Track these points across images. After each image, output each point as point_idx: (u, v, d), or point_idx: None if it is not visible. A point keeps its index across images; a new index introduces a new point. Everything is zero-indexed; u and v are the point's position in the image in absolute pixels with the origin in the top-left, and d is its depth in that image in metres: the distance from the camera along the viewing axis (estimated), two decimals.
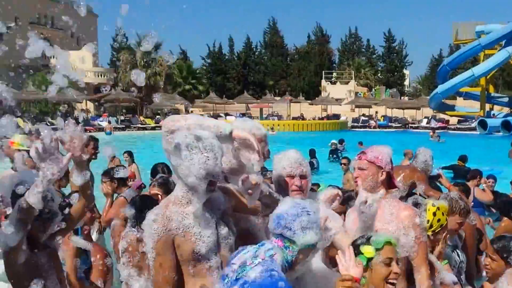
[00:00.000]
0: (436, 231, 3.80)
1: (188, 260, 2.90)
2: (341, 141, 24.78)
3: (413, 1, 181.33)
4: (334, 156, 21.46)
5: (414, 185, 6.45)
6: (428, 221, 3.75)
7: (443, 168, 11.64)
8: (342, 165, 12.46)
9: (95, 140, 7.10)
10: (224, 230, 2.97)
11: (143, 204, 3.97)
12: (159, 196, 4.60)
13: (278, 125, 42.19)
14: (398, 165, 7.15)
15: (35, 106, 42.50)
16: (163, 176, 5.12)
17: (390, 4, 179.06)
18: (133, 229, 3.95)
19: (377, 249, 2.91)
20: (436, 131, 36.01)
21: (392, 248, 2.94)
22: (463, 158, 13.45)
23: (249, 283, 2.54)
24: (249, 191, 2.97)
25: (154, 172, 6.43)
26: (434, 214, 3.79)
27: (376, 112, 53.81)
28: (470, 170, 10.21)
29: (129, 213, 4.01)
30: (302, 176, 3.47)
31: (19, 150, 5.57)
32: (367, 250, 2.92)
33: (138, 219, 3.78)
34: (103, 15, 69.28)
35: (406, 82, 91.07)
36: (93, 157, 6.73)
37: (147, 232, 2.99)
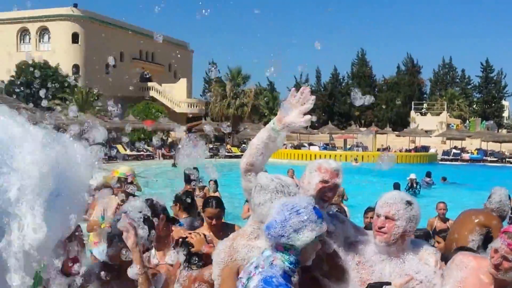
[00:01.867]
0: None
1: None
2: (428, 174, 24.18)
3: None
4: (411, 191, 20.02)
5: (489, 234, 5.78)
6: None
7: None
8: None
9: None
10: (295, 279, 2.85)
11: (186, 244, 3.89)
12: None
13: (363, 156, 42.11)
14: (473, 209, 6.52)
15: (133, 135, 45.58)
16: None
17: (488, 33, 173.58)
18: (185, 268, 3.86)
19: None
20: None
21: None
22: None
23: None
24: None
25: None
26: None
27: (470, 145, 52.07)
28: None
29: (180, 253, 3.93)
30: (388, 218, 3.15)
31: (119, 178, 6.42)
32: None
33: (189, 259, 3.84)
34: (198, 51, 72.69)
35: (505, 114, 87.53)
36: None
37: (214, 261, 3.21)
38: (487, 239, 5.53)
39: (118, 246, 3.23)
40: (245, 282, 2.68)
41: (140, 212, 3.29)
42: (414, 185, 20.47)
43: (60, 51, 52.40)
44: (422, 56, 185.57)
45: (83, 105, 42.97)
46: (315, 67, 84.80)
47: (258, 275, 2.62)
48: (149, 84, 60.82)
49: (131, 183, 6.18)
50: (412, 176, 21.19)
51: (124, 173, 6.45)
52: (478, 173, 30.99)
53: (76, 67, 55.93)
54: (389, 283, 2.80)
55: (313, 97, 3.30)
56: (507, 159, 45.69)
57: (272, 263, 2.64)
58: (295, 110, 3.27)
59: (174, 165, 30.51)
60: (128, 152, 38.63)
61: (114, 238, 3.30)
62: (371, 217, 5.13)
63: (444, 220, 9.18)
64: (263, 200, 3.03)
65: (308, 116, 3.25)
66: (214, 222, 4.75)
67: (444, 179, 25.32)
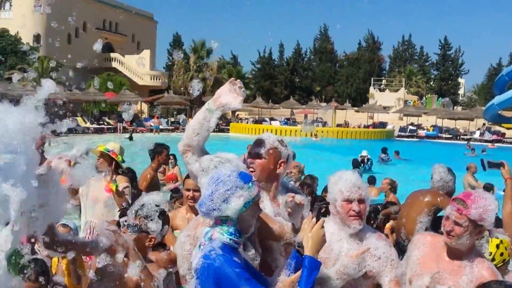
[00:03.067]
0: (498, 266, 3.41)
1: None
2: (384, 150, 24.32)
3: (472, 8, 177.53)
4: (362, 168, 19.44)
5: (438, 211, 5.76)
6: (491, 253, 3.46)
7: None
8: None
9: (167, 148, 7.56)
10: (251, 252, 2.92)
11: None
12: None
13: (322, 131, 42.37)
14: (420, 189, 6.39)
15: (95, 107, 44.89)
16: None
17: (447, 11, 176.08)
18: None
19: None
20: (471, 142, 34.84)
21: None
22: None
23: (197, 273, 2.58)
24: (290, 210, 2.96)
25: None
26: (497, 246, 3.48)
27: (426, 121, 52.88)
28: None
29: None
30: (360, 201, 3.22)
31: (102, 153, 6.08)
32: None
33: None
34: (162, 22, 71.53)
35: (461, 92, 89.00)
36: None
37: (180, 255, 3.13)
38: (436, 220, 5.53)
39: (132, 237, 3.25)
40: (193, 266, 2.64)
41: (158, 206, 3.33)
42: (365, 161, 20.52)
43: (21, 20, 50.84)
44: (383, 33, 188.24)
45: (42, 76, 42.00)
46: (278, 41, 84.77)
47: (200, 253, 2.58)
48: (112, 55, 59.74)
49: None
50: (364, 153, 21.20)
51: (108, 148, 6.13)
52: (432, 150, 31.68)
53: (37, 36, 54.47)
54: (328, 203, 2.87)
55: (244, 90, 3.39)
56: (461, 136, 45.94)
57: (211, 238, 2.59)
58: (231, 93, 3.34)
59: (130, 138, 30.37)
60: (88, 125, 38.09)
61: (129, 229, 3.33)
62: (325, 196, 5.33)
63: (389, 194, 9.35)
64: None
65: (241, 98, 3.32)
66: (192, 194, 4.58)
67: (397, 153, 25.72)
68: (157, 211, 3.28)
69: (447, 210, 3.22)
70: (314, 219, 2.71)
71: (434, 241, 3.39)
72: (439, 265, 3.22)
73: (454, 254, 3.23)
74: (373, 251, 3.24)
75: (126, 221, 3.39)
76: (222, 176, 2.61)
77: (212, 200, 2.56)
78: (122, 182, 5.93)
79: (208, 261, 2.51)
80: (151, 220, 3.25)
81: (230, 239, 2.58)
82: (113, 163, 6.07)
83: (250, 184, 2.61)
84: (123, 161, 6.35)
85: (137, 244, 3.20)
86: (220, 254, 2.51)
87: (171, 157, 12.31)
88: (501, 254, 3.46)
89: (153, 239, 3.32)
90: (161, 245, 3.63)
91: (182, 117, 43.16)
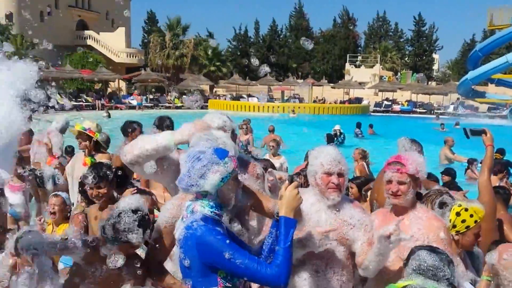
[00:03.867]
0: (461, 232, 3.56)
1: None
2: (358, 125, 24.61)
3: None
4: (336, 141, 19.87)
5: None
6: (450, 220, 3.57)
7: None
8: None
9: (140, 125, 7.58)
10: (237, 228, 2.89)
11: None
12: None
13: (299, 107, 42.42)
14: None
15: (72, 84, 44.30)
16: None
17: None
18: None
19: None
20: (441, 116, 35.17)
21: None
22: (501, 151, 11.66)
23: (180, 243, 2.69)
24: (270, 184, 3.06)
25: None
26: (458, 214, 3.57)
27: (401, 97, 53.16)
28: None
29: None
30: (340, 174, 3.37)
31: (79, 132, 6.25)
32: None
33: None
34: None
35: (435, 67, 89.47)
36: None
37: (160, 216, 3.24)
38: None
39: (113, 249, 3.18)
40: (177, 237, 2.72)
41: (135, 213, 3.15)
42: (338, 134, 20.84)
43: None
44: (358, 9, 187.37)
45: (17, 54, 41.16)
46: (254, 19, 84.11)
47: (182, 224, 2.68)
48: (86, 32, 58.80)
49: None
50: (337, 127, 21.53)
51: (84, 127, 6.24)
52: (407, 124, 31.99)
53: (9, 15, 53.29)
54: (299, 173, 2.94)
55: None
56: (435, 111, 46.16)
57: (192, 211, 2.68)
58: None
59: (108, 116, 30.21)
60: (66, 102, 37.61)
61: (109, 242, 3.20)
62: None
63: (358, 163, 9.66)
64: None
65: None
66: None
67: (371, 126, 26.06)
68: (135, 220, 3.11)
69: (388, 175, 3.50)
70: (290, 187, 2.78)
71: (380, 212, 3.75)
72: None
73: (401, 213, 3.53)
74: (349, 220, 3.41)
75: (104, 233, 3.19)
76: (198, 153, 2.67)
77: (189, 176, 2.63)
78: (103, 159, 6.00)
79: (191, 231, 2.61)
80: (131, 232, 3.10)
81: (211, 212, 2.67)
82: (91, 140, 6.21)
83: (226, 159, 2.67)
84: (108, 138, 6.49)
85: (121, 251, 3.16)
86: (202, 224, 2.61)
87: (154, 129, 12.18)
88: (463, 221, 3.55)
89: (135, 247, 3.25)
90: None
91: (186, 98, 42.90)
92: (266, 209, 3.23)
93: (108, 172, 4.18)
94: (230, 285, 2.69)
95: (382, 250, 3.14)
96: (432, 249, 2.93)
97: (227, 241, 2.58)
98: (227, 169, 2.64)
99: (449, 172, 8.89)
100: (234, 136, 3.76)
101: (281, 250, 2.61)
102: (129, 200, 3.23)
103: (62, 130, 8.79)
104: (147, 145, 3.35)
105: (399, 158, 3.50)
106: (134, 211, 3.14)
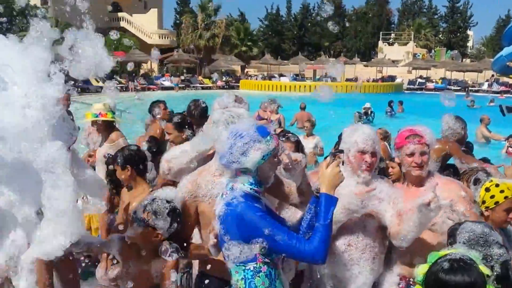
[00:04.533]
0: (491, 207, 3.45)
1: (208, 226, 3.06)
2: (390, 103, 24.42)
3: None
4: (365, 120, 20.12)
5: (448, 157, 5.87)
6: (480, 196, 3.51)
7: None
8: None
9: (164, 103, 7.58)
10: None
11: None
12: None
13: (331, 86, 42.04)
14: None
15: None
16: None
17: None
18: None
19: None
20: (471, 94, 34.40)
21: None
22: None
23: (220, 219, 2.72)
24: (288, 165, 3.00)
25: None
26: (487, 189, 3.49)
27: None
28: None
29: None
30: (373, 154, 3.42)
31: (93, 121, 6.27)
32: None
33: None
34: None
35: (469, 44, 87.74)
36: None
37: (179, 192, 3.29)
38: (445, 167, 5.49)
39: (138, 231, 3.22)
40: (217, 213, 2.75)
41: (169, 202, 3.20)
42: (369, 113, 20.77)
43: None
44: None
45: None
46: None
47: (222, 201, 2.71)
48: (119, 14, 59.05)
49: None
50: (367, 105, 21.45)
51: (95, 113, 6.22)
52: (441, 102, 31.54)
53: None
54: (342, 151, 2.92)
55: None
56: (470, 88, 45.30)
57: (232, 188, 2.71)
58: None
59: (138, 98, 30.35)
60: (100, 84, 37.91)
61: (136, 222, 3.25)
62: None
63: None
64: (217, 135, 3.02)
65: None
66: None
67: (401, 103, 25.83)
68: (166, 208, 3.16)
69: (409, 148, 3.48)
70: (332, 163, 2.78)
71: (398, 186, 3.71)
72: (416, 197, 3.36)
73: (419, 183, 3.58)
74: (378, 194, 3.45)
75: (135, 214, 3.28)
76: (241, 130, 2.69)
77: (231, 153, 2.66)
78: (118, 137, 6.18)
79: (231, 208, 2.64)
80: (159, 216, 3.15)
81: (251, 189, 2.70)
82: (106, 124, 6.25)
83: (268, 137, 2.69)
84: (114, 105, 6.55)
85: (143, 238, 3.20)
86: (242, 201, 2.64)
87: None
88: (492, 197, 3.44)
89: (159, 235, 3.21)
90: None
91: (215, 75, 42.96)
92: (283, 192, 3.26)
93: (134, 154, 4.18)
94: (269, 261, 2.71)
95: (423, 220, 3.12)
96: (471, 221, 2.94)
97: (267, 218, 2.61)
98: (268, 147, 2.67)
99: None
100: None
101: (321, 227, 2.61)
102: (166, 190, 3.29)
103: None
104: (185, 159, 3.59)
105: (413, 130, 3.52)
106: (168, 201, 3.19)
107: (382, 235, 3.53)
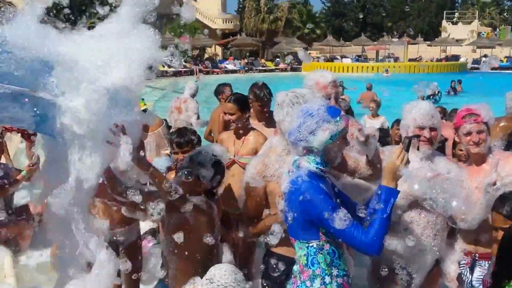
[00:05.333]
0: None
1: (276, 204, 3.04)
2: (452, 83, 24.24)
3: None
4: (432, 99, 19.65)
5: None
6: None
7: None
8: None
9: (229, 85, 7.62)
10: None
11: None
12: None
13: (394, 67, 41.27)
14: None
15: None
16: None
17: None
18: None
19: None
20: None
21: None
22: None
23: (285, 196, 2.73)
24: (363, 141, 2.94)
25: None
26: None
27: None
28: None
29: None
30: (432, 129, 3.41)
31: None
32: None
33: None
34: None
35: None
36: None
37: (246, 173, 3.32)
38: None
39: (180, 180, 3.19)
40: (282, 190, 2.76)
41: (215, 156, 3.24)
42: (436, 93, 20.37)
43: None
44: None
45: None
46: None
47: (288, 178, 2.71)
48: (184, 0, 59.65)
49: None
50: (434, 84, 20.94)
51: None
52: (506, 81, 30.26)
53: None
54: (418, 136, 2.93)
55: None
56: None
57: (298, 166, 2.68)
58: None
59: (197, 80, 30.70)
60: (166, 68, 38.65)
61: (181, 170, 3.24)
62: (398, 129, 5.55)
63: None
64: (282, 116, 3.05)
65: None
66: (228, 118, 4.55)
67: (460, 82, 25.36)
68: (211, 160, 3.20)
69: (466, 128, 3.47)
70: (404, 152, 2.71)
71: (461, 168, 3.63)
72: (480, 175, 3.45)
73: (481, 161, 3.54)
74: (446, 174, 3.41)
75: (181, 163, 3.31)
76: (311, 109, 2.66)
77: (299, 131, 2.63)
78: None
79: (295, 186, 2.61)
80: (204, 167, 3.16)
81: (317, 168, 2.65)
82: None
83: (337, 118, 2.64)
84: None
85: (186, 188, 3.13)
86: (307, 180, 2.59)
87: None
88: None
89: (202, 185, 3.24)
90: (211, 194, 3.42)
91: (289, 57, 42.97)
92: (349, 167, 3.22)
93: (192, 137, 4.12)
94: (332, 239, 2.67)
95: (491, 200, 3.06)
96: None
97: (329, 201, 2.56)
98: (337, 127, 2.62)
99: None
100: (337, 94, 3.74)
101: (378, 220, 2.56)
102: (215, 146, 3.39)
103: (193, 96, 9.11)
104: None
105: (470, 110, 3.51)
106: (214, 155, 3.24)
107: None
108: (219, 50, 53.81)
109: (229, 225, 3.77)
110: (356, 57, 50.57)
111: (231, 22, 59.36)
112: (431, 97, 18.72)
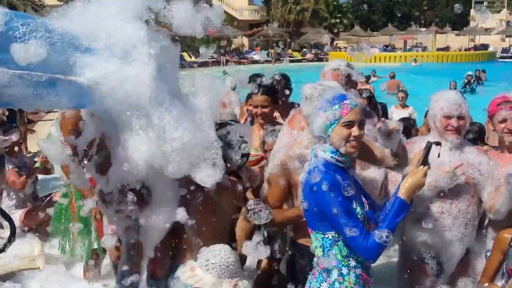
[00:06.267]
0: None
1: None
2: (477, 72, 23.82)
3: None
4: (468, 88, 20.07)
5: None
6: None
7: None
8: None
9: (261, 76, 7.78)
10: None
11: None
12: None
13: (422, 56, 40.77)
14: None
15: (198, 41, 45.65)
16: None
17: None
18: None
19: None
20: None
21: None
22: None
23: (302, 187, 2.67)
24: (385, 133, 2.88)
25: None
26: None
27: None
28: None
29: None
30: (460, 118, 3.34)
31: None
32: None
33: None
34: None
35: None
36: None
37: (269, 164, 3.32)
38: None
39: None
40: (300, 180, 2.70)
41: (242, 137, 3.14)
42: (472, 81, 20.16)
43: None
44: None
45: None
46: None
47: (307, 167, 2.64)
48: None
49: None
50: (469, 73, 20.98)
51: None
52: None
53: None
54: (439, 143, 2.74)
55: None
56: None
57: (316, 155, 2.63)
58: None
59: (224, 72, 30.74)
60: (193, 59, 38.77)
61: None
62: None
63: None
64: (311, 110, 2.95)
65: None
66: (260, 111, 4.28)
67: (484, 71, 24.87)
68: (239, 142, 3.11)
69: (501, 115, 3.42)
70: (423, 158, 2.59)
71: (493, 154, 3.60)
72: None
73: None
74: (476, 165, 3.37)
75: None
76: (324, 99, 2.63)
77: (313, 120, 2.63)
78: None
79: (310, 177, 2.54)
80: (232, 148, 3.09)
81: (332, 157, 2.57)
82: None
83: (336, 106, 2.55)
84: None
85: None
86: (323, 171, 2.52)
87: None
88: None
89: (228, 167, 3.09)
90: (236, 176, 3.33)
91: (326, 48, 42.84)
92: (375, 157, 3.14)
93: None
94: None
95: None
96: None
97: (340, 197, 2.47)
98: (334, 115, 2.52)
99: None
100: (351, 82, 3.71)
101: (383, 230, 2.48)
102: (241, 127, 3.25)
103: (234, 89, 9.13)
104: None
105: (506, 97, 3.46)
106: (242, 136, 3.14)
107: (476, 201, 3.44)
108: (245, 40, 53.79)
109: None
110: (384, 47, 50.06)
111: (257, 13, 59.37)
112: (467, 86, 18.43)
